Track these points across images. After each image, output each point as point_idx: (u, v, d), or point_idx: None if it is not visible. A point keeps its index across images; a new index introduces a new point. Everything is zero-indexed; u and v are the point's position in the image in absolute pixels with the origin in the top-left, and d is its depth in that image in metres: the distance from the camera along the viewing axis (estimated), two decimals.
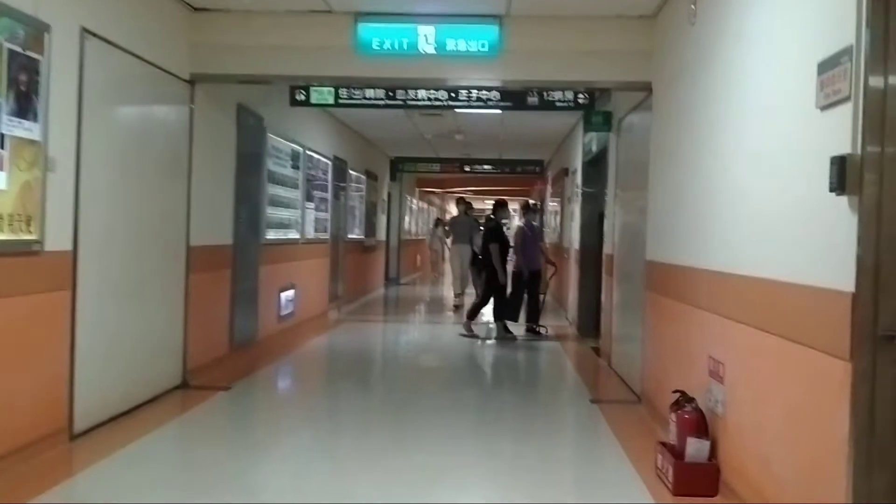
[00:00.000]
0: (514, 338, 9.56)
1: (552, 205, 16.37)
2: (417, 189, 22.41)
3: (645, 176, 6.13)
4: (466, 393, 6.66)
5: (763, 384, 3.41)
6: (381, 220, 16.41)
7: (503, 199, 10.68)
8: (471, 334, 9.59)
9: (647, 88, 6.10)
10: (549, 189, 17.03)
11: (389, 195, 17.99)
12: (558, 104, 8.16)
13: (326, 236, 11.10)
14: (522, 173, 17.01)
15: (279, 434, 5.20)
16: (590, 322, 10.21)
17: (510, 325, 9.75)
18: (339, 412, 6.00)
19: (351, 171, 12.72)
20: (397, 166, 16.96)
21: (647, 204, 5.96)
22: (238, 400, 6.09)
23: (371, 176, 14.63)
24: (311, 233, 10.15)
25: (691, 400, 3.99)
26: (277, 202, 8.63)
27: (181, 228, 6.19)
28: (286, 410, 5.96)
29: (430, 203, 26.80)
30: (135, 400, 5.45)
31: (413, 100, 8.28)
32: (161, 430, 5.02)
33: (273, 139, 8.40)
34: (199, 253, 6.44)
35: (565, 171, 12.72)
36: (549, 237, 16.15)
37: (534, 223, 10.62)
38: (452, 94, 8.23)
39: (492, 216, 10.50)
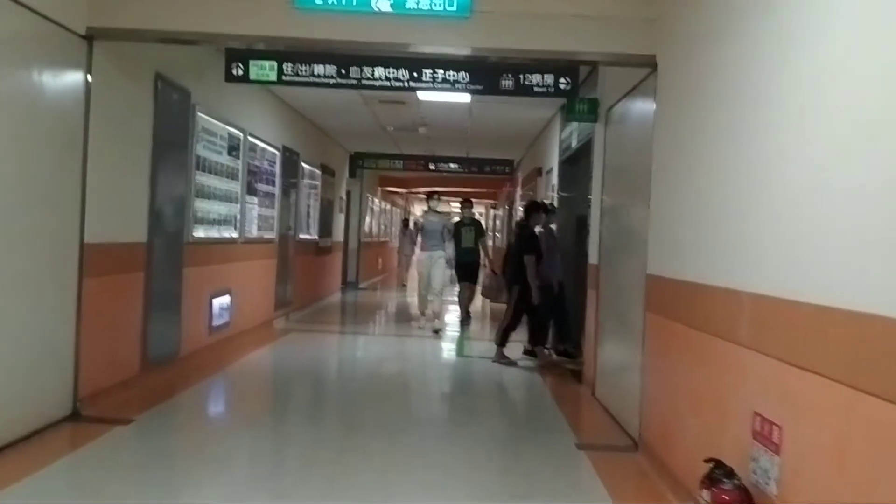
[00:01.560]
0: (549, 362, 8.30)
1: (521, 208, 15.31)
2: (380, 188, 21.22)
3: (642, 175, 5.06)
4: (425, 430, 5.50)
5: (852, 463, 2.32)
6: (339, 219, 15.20)
7: (539, 201, 9.10)
8: (507, 361, 8.09)
9: (649, 64, 5.01)
10: (518, 191, 15.97)
11: (349, 193, 16.79)
12: (536, 89, 7.05)
13: (273, 236, 9.88)
14: (491, 173, 15.89)
15: (183, 490, 3.99)
16: (567, 339, 9.17)
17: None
18: (268, 456, 4.80)
19: (304, 165, 11.51)
20: (357, 162, 15.74)
21: (646, 208, 4.87)
22: (139, 438, 4.86)
23: (327, 171, 13.42)
24: (252, 231, 8.93)
25: (732, 474, 2.89)
26: (209, 194, 7.40)
27: (72, 221, 4.96)
28: (199, 453, 4.69)
29: (394, 203, 25.61)
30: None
31: (369, 79, 7.12)
32: (9, 490, 3.77)
33: (204, 119, 7.17)
34: (99, 252, 5.21)
35: (538, 172, 11.65)
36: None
37: (553, 226, 8.92)
38: (414, 74, 7.11)
39: (524, 221, 8.62)
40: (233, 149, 8.06)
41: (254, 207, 8.94)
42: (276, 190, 9.92)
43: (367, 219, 18.95)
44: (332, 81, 7.13)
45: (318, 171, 12.58)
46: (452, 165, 15.63)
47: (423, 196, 27.11)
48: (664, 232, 4.51)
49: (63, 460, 4.30)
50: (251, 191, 8.79)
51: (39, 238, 4.60)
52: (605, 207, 6.44)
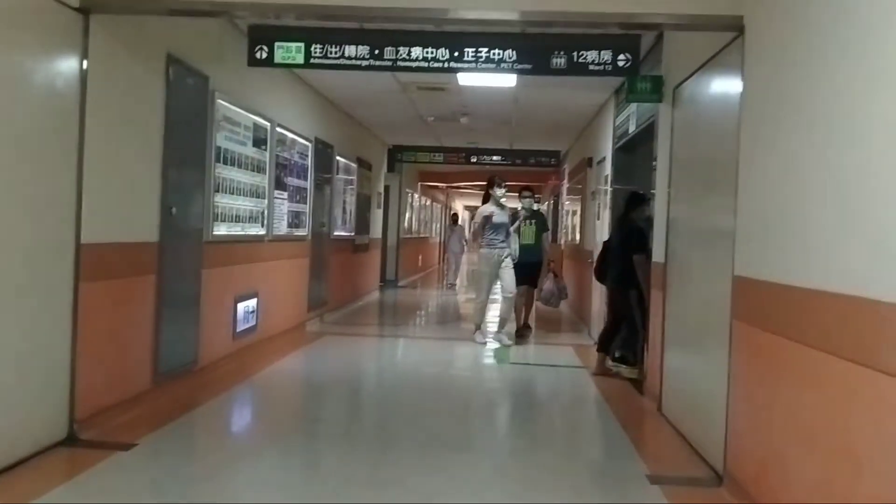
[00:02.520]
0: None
1: (568, 202, 14.52)
2: (420, 183, 20.55)
3: (724, 161, 4.30)
4: (474, 458, 4.79)
5: None
6: (377, 215, 14.56)
7: (640, 192, 7.44)
8: (607, 371, 7.27)
9: (733, 27, 4.22)
10: (565, 184, 15.17)
11: (387, 188, 16.16)
12: (592, 67, 6.32)
13: (305, 233, 9.26)
14: (536, 165, 15.13)
15: None
16: (628, 345, 8.38)
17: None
18: (290, 487, 4.13)
19: (339, 158, 10.88)
20: (396, 156, 15.10)
21: (731, 199, 4.10)
22: (140, 465, 4.23)
23: (364, 165, 12.78)
24: (282, 228, 8.31)
25: None
26: (232, 189, 6.78)
27: (67, 219, 4.35)
28: (208, 483, 4.03)
29: (434, 199, 24.94)
30: None
31: (405, 60, 6.45)
32: None
33: (225, 107, 6.55)
34: (99, 253, 4.61)
35: (588, 162, 10.85)
36: (566, 239, 14.30)
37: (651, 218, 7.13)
38: (455, 53, 6.42)
39: (630, 214, 7.22)
40: (259, 140, 7.43)
41: (283, 203, 8.31)
42: (309, 184, 9.29)
43: (407, 215, 18.30)
44: (364, 63, 6.48)
45: (353, 165, 11.94)
46: (495, 158, 14.92)
47: (467, 192, 26.36)
48: (760, 228, 3.72)
49: (49, 494, 3.68)
50: (280, 185, 8.17)
51: (26, 238, 3.99)
52: (672, 199, 5.65)
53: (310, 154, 9.30)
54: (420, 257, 21.43)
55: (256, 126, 7.35)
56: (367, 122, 12.32)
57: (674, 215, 5.62)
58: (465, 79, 8.37)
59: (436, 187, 23.11)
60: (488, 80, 8.41)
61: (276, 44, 6.47)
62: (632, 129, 7.57)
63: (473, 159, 14.86)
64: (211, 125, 6.23)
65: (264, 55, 6.48)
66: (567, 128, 11.77)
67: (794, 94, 3.38)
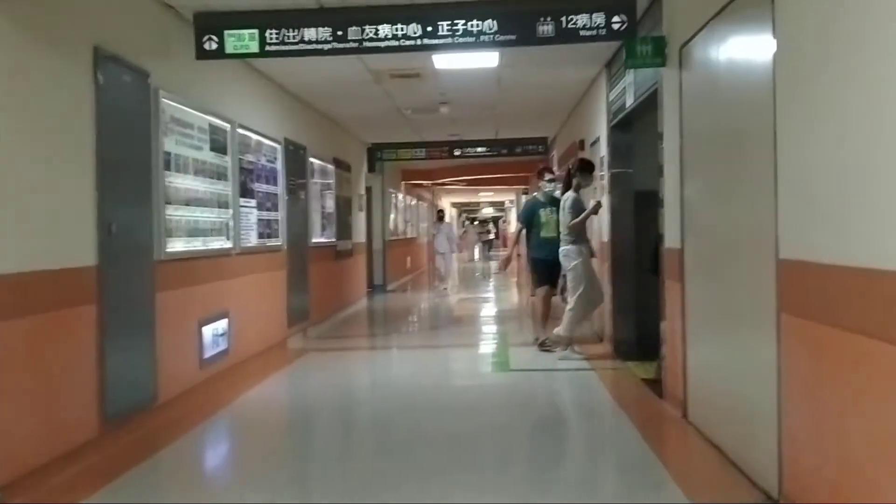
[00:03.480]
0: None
1: (558, 191, 13.79)
2: (403, 182, 19.80)
3: (754, 125, 3.60)
4: (483, 491, 4.06)
5: None
6: (360, 218, 13.80)
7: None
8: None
9: None
10: (555, 171, 14.44)
11: (369, 189, 15.40)
12: (584, 33, 5.65)
13: (280, 243, 8.50)
14: (523, 154, 14.39)
15: None
16: (629, 338, 7.70)
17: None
18: None
19: (313, 160, 10.12)
20: (376, 154, 14.34)
21: (769, 169, 3.38)
22: None
23: (342, 166, 12.03)
24: (252, 239, 7.55)
25: None
26: (188, 199, 6.03)
27: None
28: None
29: (420, 198, 24.19)
30: None
31: (373, 39, 5.75)
32: None
33: (173, 107, 5.79)
34: (18, 284, 3.86)
35: (580, 145, 10.13)
36: None
37: None
38: (428, 28, 5.73)
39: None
40: (218, 144, 6.68)
41: (252, 212, 7.56)
42: (280, 190, 8.54)
43: (392, 216, 17.54)
44: (327, 47, 5.77)
45: (330, 167, 11.19)
46: (480, 149, 14.20)
47: (453, 188, 25.51)
48: (822, 200, 2.99)
49: None
50: (247, 193, 7.42)
51: None
52: (687, 177, 4.93)
53: (279, 157, 8.54)
54: (408, 259, 20.68)
55: (214, 128, 6.59)
56: (341, 121, 11.57)
57: (689, 195, 4.90)
58: (442, 61, 7.64)
59: (421, 185, 22.36)
60: (467, 60, 7.68)
61: (226, 32, 5.76)
62: (629, 102, 6.85)
63: (457, 153, 14.13)
64: (156, 128, 5.48)
65: (214, 46, 5.78)
66: (555, 110, 11.05)
67: (848, 41, 2.66)
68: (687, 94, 4.92)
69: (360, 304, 13.27)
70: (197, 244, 6.19)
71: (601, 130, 8.44)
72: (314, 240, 10.09)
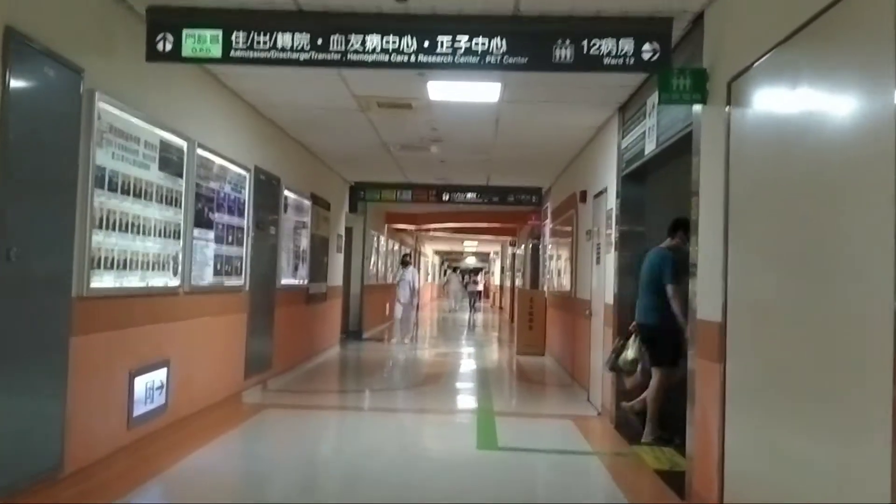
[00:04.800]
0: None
1: (552, 245, 12.93)
2: (387, 225, 18.88)
3: (846, 181, 2.69)
4: None
5: None
6: (337, 260, 12.82)
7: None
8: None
9: None
10: (547, 225, 13.59)
11: (349, 230, 14.46)
12: (608, 61, 4.80)
13: (241, 282, 7.50)
14: (515, 204, 13.52)
15: None
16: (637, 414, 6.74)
17: None
18: None
19: (288, 194, 9.18)
20: (358, 193, 13.42)
21: (886, 228, 2.47)
22: None
23: (320, 203, 11.09)
24: (206, 277, 6.55)
25: None
26: (125, 225, 5.04)
27: None
28: None
29: (403, 243, 23.27)
30: None
31: (358, 52, 4.85)
32: None
33: (112, 115, 4.84)
34: None
35: (581, 196, 9.26)
36: (551, 285, 12.66)
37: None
38: (425, 43, 4.84)
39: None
40: (170, 163, 5.72)
41: (208, 245, 6.57)
42: (247, 223, 7.56)
43: (372, 259, 16.56)
44: (303, 57, 4.86)
45: (307, 203, 10.24)
46: (469, 195, 13.31)
47: (438, 235, 24.52)
48: None
49: None
50: (203, 223, 6.44)
51: None
52: (736, 237, 4.01)
53: (247, 186, 7.59)
54: (387, 305, 19.60)
55: (166, 145, 5.64)
56: (322, 154, 10.64)
57: (739, 260, 3.97)
58: (438, 91, 6.76)
59: (405, 230, 21.44)
60: (466, 92, 6.82)
61: (185, 31, 4.85)
62: (649, 149, 5.98)
63: (445, 197, 13.24)
64: (87, 136, 4.51)
65: (168, 47, 4.87)
66: (553, 158, 10.19)
67: None
68: (738, 137, 4.03)
69: (332, 353, 12.19)
70: (132, 280, 5.18)
71: (609, 181, 7.56)
72: (283, 281, 9.09)
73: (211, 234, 6.61)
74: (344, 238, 13.55)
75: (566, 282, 10.67)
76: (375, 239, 17.04)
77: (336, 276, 12.79)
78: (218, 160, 6.73)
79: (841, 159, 2.94)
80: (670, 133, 5.36)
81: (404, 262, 15.86)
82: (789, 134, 3.41)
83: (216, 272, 6.77)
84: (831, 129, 3.05)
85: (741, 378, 3.91)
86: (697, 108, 4.69)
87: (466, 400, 8.91)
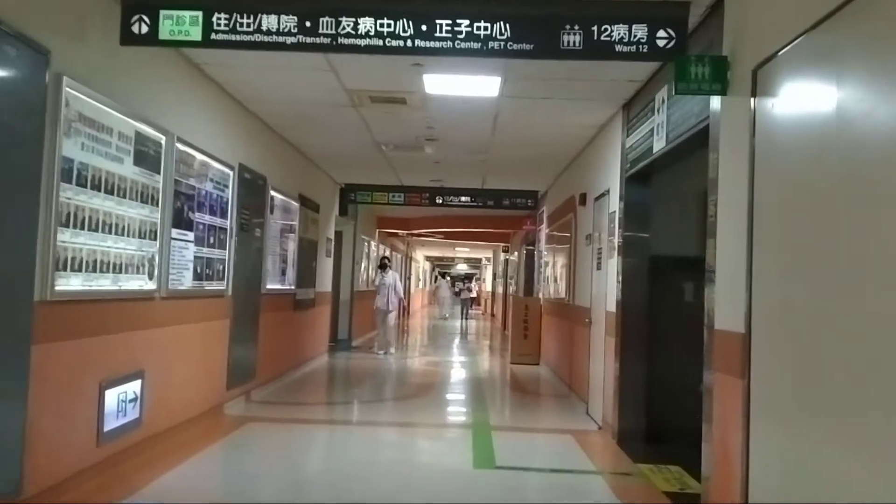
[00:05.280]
0: None
1: (547, 251, 12.58)
2: (378, 230, 18.50)
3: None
4: None
5: None
6: (326, 265, 12.42)
7: None
8: None
9: None
10: (543, 230, 13.24)
11: (339, 234, 14.09)
12: (620, 48, 4.46)
13: (223, 287, 7.09)
14: (511, 208, 13.16)
15: None
16: (637, 428, 6.43)
17: None
18: None
19: (275, 194, 8.79)
20: (348, 196, 13.03)
21: None
22: None
23: (309, 205, 10.70)
24: (185, 281, 6.15)
25: None
26: (96, 223, 4.64)
27: None
28: None
29: (394, 248, 22.89)
30: None
31: (350, 35, 4.49)
32: None
33: (83, 102, 4.45)
34: None
35: (581, 199, 8.91)
36: (547, 292, 12.30)
37: None
38: (423, 27, 4.49)
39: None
40: (147, 157, 5.32)
41: (188, 247, 6.17)
42: (230, 224, 7.17)
43: (363, 264, 16.16)
44: (290, 41, 4.49)
45: (295, 204, 9.84)
46: (464, 199, 12.93)
47: (429, 240, 24.01)
48: None
49: None
50: (183, 223, 6.04)
51: None
52: (764, 240, 3.65)
53: (231, 184, 7.19)
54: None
55: (143, 138, 5.25)
56: (311, 153, 10.25)
57: (767, 266, 3.61)
58: (435, 84, 6.39)
59: (396, 234, 21.06)
60: (464, 85, 6.46)
61: (162, 13, 4.46)
62: (658, 147, 5.62)
63: (439, 200, 12.86)
64: (54, 125, 4.12)
65: (144, 29, 4.49)
66: (551, 160, 9.84)
67: None
68: (765, 131, 3.67)
69: (320, 362, 11.78)
70: (104, 282, 4.78)
71: (612, 182, 7.21)
72: (269, 286, 8.69)
73: (191, 235, 6.21)
74: (333, 242, 13.16)
75: (563, 288, 10.32)
76: (366, 244, 16.65)
77: (325, 282, 12.39)
78: (199, 156, 6.34)
79: (886, 157, 2.59)
80: (683, 129, 5.00)
81: (382, 266, 14.41)
82: (826, 127, 3.05)
83: (196, 276, 6.37)
84: (876, 123, 2.70)
85: (769, 395, 3.54)
86: (715, 101, 4.34)
87: (460, 412, 8.52)
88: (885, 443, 2.54)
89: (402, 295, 14.81)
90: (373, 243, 17.84)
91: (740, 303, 3.79)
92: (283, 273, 9.44)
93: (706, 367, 4.35)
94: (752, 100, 3.80)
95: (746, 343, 3.72)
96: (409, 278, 30.19)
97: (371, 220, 17.44)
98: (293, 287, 9.89)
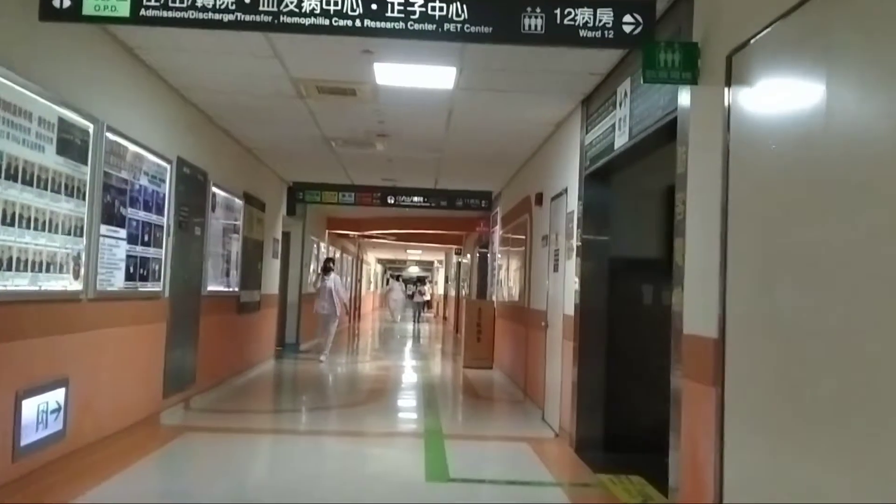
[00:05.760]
0: None
1: (501, 254, 12.33)
2: (328, 231, 18.05)
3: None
4: None
5: None
6: (273, 266, 11.96)
7: None
8: None
9: None
10: (496, 232, 12.99)
11: (287, 235, 13.64)
12: (584, 34, 4.18)
13: (159, 288, 6.65)
14: (464, 208, 12.88)
15: None
16: (595, 436, 6.20)
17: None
18: None
19: (217, 191, 8.35)
20: (297, 195, 12.60)
21: None
22: None
23: (254, 203, 10.26)
24: (115, 282, 5.71)
25: None
26: (10, 216, 4.21)
27: None
28: None
29: (345, 250, 22.43)
30: None
31: (293, 14, 4.16)
32: None
33: None
34: None
35: (537, 199, 8.66)
36: (501, 295, 12.05)
37: None
38: (373, 6, 4.16)
39: None
40: (71, 146, 4.89)
41: (118, 244, 5.73)
42: (167, 221, 6.72)
43: (312, 266, 15.71)
44: (227, 18, 4.12)
45: (239, 202, 9.40)
46: (416, 199, 12.61)
47: (381, 242, 23.59)
48: None
49: None
50: (113, 219, 5.60)
51: None
52: (738, 239, 3.40)
53: (169, 179, 6.75)
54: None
55: (66, 125, 4.81)
56: (257, 149, 9.82)
57: (742, 266, 3.37)
58: (386, 74, 6.06)
59: (347, 236, 20.61)
60: (417, 76, 6.14)
61: None
62: (620, 142, 5.38)
63: (390, 200, 12.52)
64: None
65: (66, 3, 4.05)
66: (507, 158, 9.59)
67: None
68: (741, 122, 3.42)
69: (266, 367, 11.32)
70: (21, 282, 4.34)
71: (570, 181, 6.97)
72: (211, 287, 8.24)
73: (123, 232, 5.77)
74: (281, 243, 12.71)
75: (518, 291, 10.06)
76: (315, 245, 16.20)
77: (272, 284, 11.94)
78: (133, 147, 5.90)
79: (876, 150, 2.36)
80: (647, 122, 4.76)
81: (326, 269, 13.20)
82: (812, 118, 2.80)
83: (129, 276, 5.93)
84: (865, 113, 2.47)
85: (746, 403, 3.29)
86: (684, 91, 4.10)
87: (412, 420, 8.18)
88: (873, 453, 2.30)
89: (345, 300, 13.83)
90: (322, 245, 17.39)
91: (713, 306, 3.54)
92: (227, 274, 9.00)
93: (673, 373, 4.10)
94: (725, 89, 3.56)
95: (720, 348, 3.47)
96: (360, 281, 29.72)
97: (321, 220, 17.00)
98: (237, 289, 9.44)
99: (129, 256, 5.89)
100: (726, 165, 3.52)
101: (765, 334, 3.12)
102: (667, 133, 4.47)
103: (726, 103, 3.55)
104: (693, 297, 3.88)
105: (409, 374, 12.49)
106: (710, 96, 3.76)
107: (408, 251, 30.61)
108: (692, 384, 3.80)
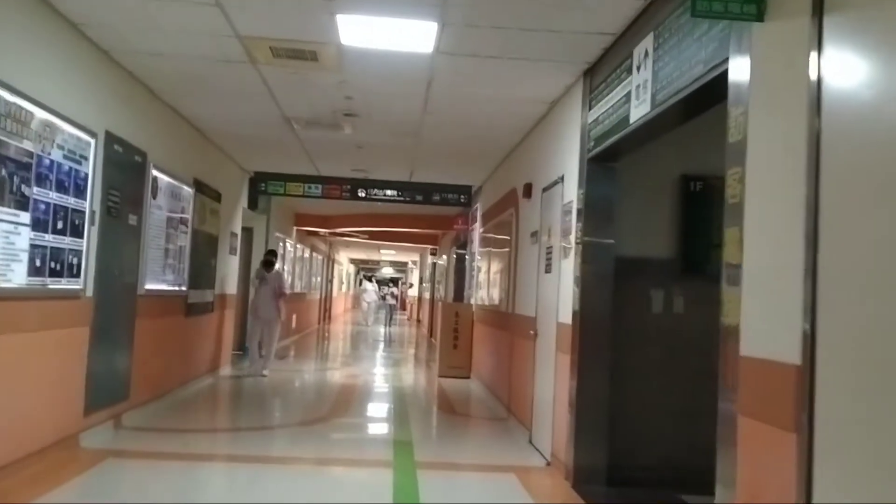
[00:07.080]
0: None
1: (481, 254, 11.33)
2: (295, 228, 16.93)
3: None
4: None
5: None
6: (229, 264, 10.84)
7: None
8: None
9: None
10: (476, 230, 11.98)
11: (250, 231, 12.54)
12: None
13: (79, 286, 5.55)
14: (441, 203, 11.86)
15: None
16: (597, 465, 5.24)
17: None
18: None
19: (159, 175, 7.25)
20: (259, 186, 11.50)
21: None
22: None
23: (207, 192, 9.16)
24: (14, 277, 4.61)
25: None
26: None
27: None
28: None
29: (314, 248, 21.31)
30: None
31: None
32: None
33: None
34: None
35: (525, 191, 7.66)
36: (481, 298, 11.05)
37: None
38: None
39: None
40: None
41: (19, 231, 4.64)
42: (89, 205, 5.63)
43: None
44: None
45: (188, 190, 8.30)
46: (389, 192, 11.58)
47: (353, 241, 22.45)
48: None
49: None
50: (12, 200, 4.51)
51: None
52: (841, 230, 2.41)
53: (93, 157, 5.66)
54: (294, 318, 17.64)
55: None
56: (210, 131, 8.72)
57: (842, 267, 2.38)
58: (351, 30, 5.01)
59: (316, 234, 19.50)
60: (389, 34, 5.09)
61: None
62: (638, 114, 4.39)
63: (361, 193, 11.47)
64: None
65: None
66: (491, 145, 8.59)
67: None
68: (840, 74, 2.44)
69: (219, 375, 10.20)
70: None
71: (568, 167, 5.98)
72: (150, 286, 7.14)
73: (25, 217, 4.67)
74: (241, 238, 11.60)
75: (501, 295, 9.06)
76: (281, 242, 15.08)
77: (229, 283, 10.82)
78: (41, 113, 4.81)
79: None
80: (681, 83, 3.76)
81: (268, 263, 11.04)
82: None
83: (35, 270, 4.84)
84: None
85: (846, 456, 2.31)
86: (742, 33, 3.12)
87: (380, 443, 7.11)
88: None
89: (286, 291, 11.52)
90: (289, 242, 16.27)
91: (795, 322, 2.55)
92: (172, 271, 7.90)
93: (722, 403, 3.11)
94: (811, 20, 2.58)
95: (805, 379, 2.48)
96: (332, 281, 28.59)
97: (288, 215, 15.90)
98: (184, 288, 8.34)
99: (34, 246, 4.80)
100: (817, 137, 2.53)
101: (879, 364, 2.14)
102: (708, 94, 3.50)
103: (813, 46, 2.56)
104: (757, 306, 2.88)
105: (380, 383, 11.45)
106: (787, 36, 2.77)
107: (381, 251, 29.53)
108: (756, 425, 2.80)
